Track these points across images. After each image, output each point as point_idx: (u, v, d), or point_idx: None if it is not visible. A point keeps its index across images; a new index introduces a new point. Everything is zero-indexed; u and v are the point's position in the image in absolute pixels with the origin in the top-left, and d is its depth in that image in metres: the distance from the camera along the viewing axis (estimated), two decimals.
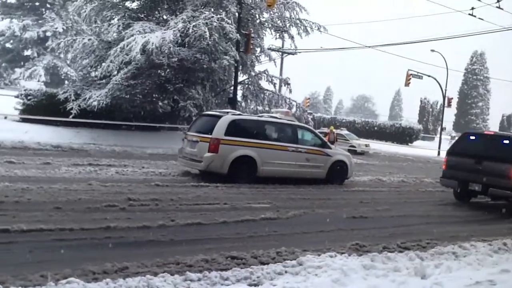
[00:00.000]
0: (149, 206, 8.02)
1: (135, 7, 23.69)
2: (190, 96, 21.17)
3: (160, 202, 8.32)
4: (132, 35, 18.86)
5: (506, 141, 11.68)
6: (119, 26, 21.82)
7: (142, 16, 23.38)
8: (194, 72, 21.71)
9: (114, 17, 22.93)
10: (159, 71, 21.90)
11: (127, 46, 18.39)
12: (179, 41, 19.90)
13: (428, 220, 9.60)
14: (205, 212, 7.96)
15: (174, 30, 18.82)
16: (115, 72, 19.73)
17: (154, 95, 23.07)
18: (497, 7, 16.66)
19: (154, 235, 6.31)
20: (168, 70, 21.84)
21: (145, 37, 18.45)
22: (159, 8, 23.91)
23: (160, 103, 23.51)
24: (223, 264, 5.29)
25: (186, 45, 20.76)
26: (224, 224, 7.33)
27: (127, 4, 23.44)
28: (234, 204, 8.85)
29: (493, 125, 78.94)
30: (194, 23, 18.91)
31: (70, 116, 19.04)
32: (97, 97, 19.06)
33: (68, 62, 42.05)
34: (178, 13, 21.66)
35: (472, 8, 18.03)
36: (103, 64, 19.40)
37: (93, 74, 22.68)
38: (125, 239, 6.07)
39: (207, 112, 15.29)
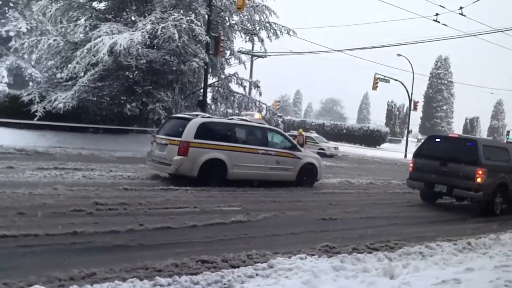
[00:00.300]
0: (117, 210, 7.86)
1: (103, 8, 23.30)
2: (159, 98, 20.93)
3: (128, 206, 8.16)
4: (99, 36, 18.54)
5: (469, 144, 12.00)
6: (85, 27, 21.40)
7: (110, 17, 23.01)
8: (163, 74, 21.49)
9: (80, 17, 22.49)
10: (127, 73, 21.59)
11: (94, 47, 18.05)
12: (147, 42, 19.69)
13: (396, 221, 9.76)
14: (174, 216, 7.86)
15: (142, 32, 18.59)
16: (82, 74, 19.36)
17: (122, 98, 22.71)
18: (460, 13, 17.17)
19: (123, 240, 6.18)
20: (136, 72, 21.52)
21: (112, 38, 18.17)
22: (127, 9, 23.59)
23: (128, 106, 23.14)
24: (193, 268, 5.22)
25: (155, 47, 20.56)
26: (194, 228, 7.25)
27: (94, 4, 23.02)
28: (204, 207, 8.77)
29: (457, 128, 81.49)
30: (163, 25, 18.74)
31: (35, 119, 18.53)
32: (63, 99, 18.64)
33: (33, 63, 40.88)
34: (146, 15, 21.42)
35: (437, 14, 18.56)
36: (69, 65, 18.98)
37: (58, 75, 22.19)
38: (92, 244, 5.92)
39: (177, 115, 15.14)
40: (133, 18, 23.38)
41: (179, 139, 11.27)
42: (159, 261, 5.25)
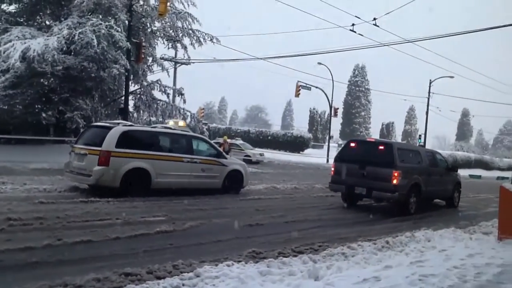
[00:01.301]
0: (33, 225, 7.37)
1: (13, 11, 21.97)
2: (77, 106, 20.06)
3: (45, 220, 7.70)
4: (10, 41, 17.46)
5: (386, 147, 12.64)
6: None
7: (22, 20, 21.76)
8: (81, 81, 20.65)
9: None
10: (42, 80, 20.50)
11: (4, 52, 16.96)
12: (64, 48, 18.83)
13: (319, 224, 10.03)
14: (96, 228, 7.52)
15: (58, 37, 17.77)
16: None
17: (37, 106, 21.51)
18: (374, 24, 18.12)
19: (39, 256, 5.79)
20: (52, 79, 20.49)
21: (25, 43, 17.19)
22: (40, 13, 22.43)
23: (44, 114, 21.90)
24: (116, 282, 5.01)
25: (72, 53, 19.71)
26: (117, 240, 6.97)
27: (3, 7, 21.62)
28: (127, 218, 8.48)
29: (374, 133, 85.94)
30: (80, 30, 18.05)
31: None
32: None
33: None
34: (62, 19, 20.52)
35: (353, 25, 19.38)
36: None
37: None
38: (5, 263, 5.49)
39: (96, 123, 14.54)
40: (47, 23, 22.28)
41: (100, 148, 10.83)
42: (79, 277, 4.99)
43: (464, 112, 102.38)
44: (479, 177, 44.45)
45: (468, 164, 56.62)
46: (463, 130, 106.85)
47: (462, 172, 23.13)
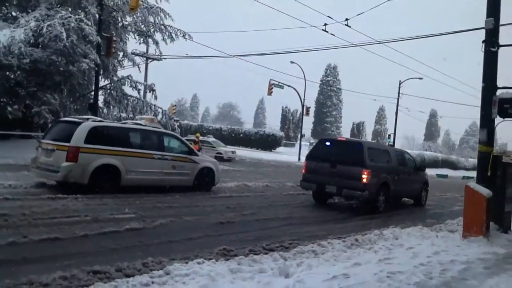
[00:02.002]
0: None
1: None
2: (45, 101, 19.57)
3: (10, 217, 7.48)
4: None
5: (356, 146, 12.83)
6: None
7: None
8: (49, 75, 20.15)
9: None
10: (7, 73, 19.90)
11: None
12: (31, 41, 18.33)
13: (290, 221, 10.10)
14: (63, 225, 7.36)
15: (25, 29, 17.29)
16: None
17: (2, 100, 20.88)
18: (345, 24, 18.31)
19: (3, 254, 5.63)
20: (19, 72, 19.91)
21: None
22: (6, 3, 21.71)
23: (9, 109, 21.27)
24: (84, 280, 4.91)
25: (40, 46, 19.22)
26: (85, 238, 6.85)
27: None
28: (96, 215, 8.33)
29: (345, 132, 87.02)
30: (48, 23, 17.61)
31: None
32: None
33: None
34: (30, 11, 19.97)
35: (325, 24, 19.54)
36: None
37: None
38: None
39: (65, 118, 14.21)
40: (14, 14, 21.61)
41: (68, 144, 10.61)
42: (45, 275, 4.87)
43: (432, 113, 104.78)
44: (446, 176, 45.60)
45: (436, 163, 58.04)
46: (431, 130, 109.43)
47: (430, 172, 23.69)
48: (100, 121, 12.25)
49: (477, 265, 6.62)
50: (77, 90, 22.87)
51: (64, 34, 17.81)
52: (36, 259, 5.63)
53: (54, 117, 19.09)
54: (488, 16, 9.34)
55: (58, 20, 18.05)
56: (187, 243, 7.20)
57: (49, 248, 6.16)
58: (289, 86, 43.52)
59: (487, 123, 9.59)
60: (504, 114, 9.48)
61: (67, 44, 18.35)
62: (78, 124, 11.06)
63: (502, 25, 9.57)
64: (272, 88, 41.66)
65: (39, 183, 11.53)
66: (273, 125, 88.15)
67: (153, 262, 5.72)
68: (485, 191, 8.73)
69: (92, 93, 22.47)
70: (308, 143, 60.96)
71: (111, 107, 25.03)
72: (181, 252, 6.38)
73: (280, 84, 42.41)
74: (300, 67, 43.71)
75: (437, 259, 6.77)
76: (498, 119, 9.82)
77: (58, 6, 20.45)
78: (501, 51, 9.49)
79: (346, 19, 18.25)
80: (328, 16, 18.98)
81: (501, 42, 9.44)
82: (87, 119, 11.89)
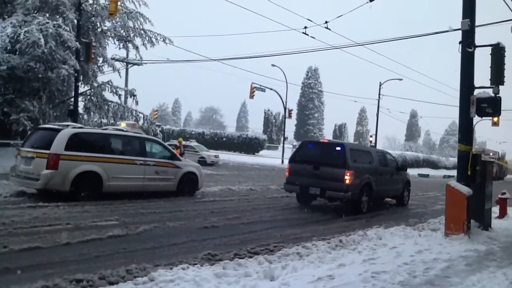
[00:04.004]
0: None
1: None
2: (23, 108, 19.26)
3: None
4: None
5: (338, 148, 12.91)
6: None
7: None
8: (27, 82, 19.86)
9: None
10: None
11: None
12: (8, 47, 18.04)
13: (275, 224, 10.10)
14: (44, 234, 7.25)
15: (1, 35, 17.01)
16: None
17: None
18: (325, 27, 18.43)
19: None
20: None
21: None
22: None
23: None
24: None
25: (18, 52, 18.91)
26: (67, 246, 6.75)
27: None
28: (78, 223, 8.22)
29: (327, 134, 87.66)
30: (26, 29, 17.37)
31: None
32: None
33: None
34: (6, 17, 19.65)
35: (305, 27, 19.64)
36: None
37: None
38: None
39: (44, 125, 14.00)
40: None
41: (48, 151, 10.46)
42: (27, 285, 4.80)
43: (412, 113, 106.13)
44: (427, 176, 46.23)
45: (417, 163, 58.83)
46: (412, 130, 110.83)
47: (411, 172, 23.96)
48: (81, 127, 12.10)
49: (459, 263, 6.73)
50: (57, 96, 22.56)
51: (42, 40, 17.58)
52: (17, 269, 5.52)
53: (33, 124, 18.79)
54: (464, 17, 9.52)
55: (35, 26, 17.82)
56: (172, 248, 7.15)
57: (31, 258, 6.05)
58: (271, 89, 43.64)
59: (465, 123, 9.77)
60: (481, 113, 9.67)
61: (45, 50, 18.11)
62: (58, 131, 10.91)
63: (478, 26, 9.78)
64: (254, 91, 41.73)
65: (19, 192, 11.34)
66: (255, 128, 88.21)
67: (137, 268, 5.67)
68: (465, 190, 8.87)
69: (72, 99, 22.21)
70: (291, 146, 61.18)
71: (92, 113, 24.75)
72: (166, 258, 6.33)
73: (262, 87, 42.50)
74: (281, 70, 43.86)
75: (420, 258, 6.85)
76: (476, 118, 10.02)
77: (35, 12, 20.17)
78: (478, 52, 9.69)
79: (326, 22, 18.38)
80: (308, 19, 19.08)
81: (477, 42, 9.64)
82: (67, 125, 11.73)
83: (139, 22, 24.92)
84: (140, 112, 26.70)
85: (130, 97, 26.96)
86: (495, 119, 14.48)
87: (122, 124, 14.34)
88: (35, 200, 10.46)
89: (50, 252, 6.37)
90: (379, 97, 48.46)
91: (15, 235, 7.10)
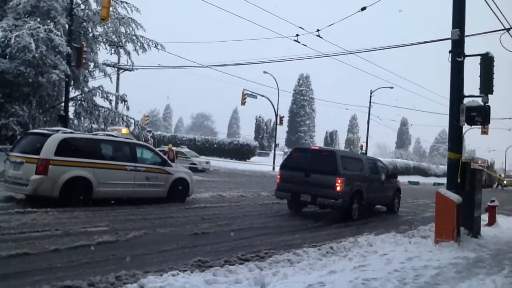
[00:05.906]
0: None
1: None
2: (13, 113, 19.10)
3: None
4: None
5: (329, 155, 12.95)
6: None
7: None
8: (17, 86, 19.72)
9: None
10: None
11: None
12: None
13: (265, 231, 10.09)
14: (33, 240, 7.17)
15: None
16: None
17: None
18: (317, 35, 18.56)
19: None
20: None
21: None
22: None
23: None
24: None
25: (8, 57, 18.78)
26: (55, 252, 6.68)
27: None
28: (67, 229, 8.15)
29: (318, 141, 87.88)
30: (16, 33, 17.27)
31: None
32: None
33: None
34: None
35: (297, 35, 19.77)
36: None
37: None
38: None
39: (34, 130, 13.89)
40: None
41: (37, 156, 10.38)
42: None
43: (403, 121, 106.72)
44: (418, 183, 46.45)
45: (407, 171, 59.11)
46: (402, 138, 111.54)
47: (402, 179, 24.08)
48: (71, 132, 12.04)
49: (449, 270, 6.75)
50: (47, 101, 22.40)
51: (33, 45, 17.49)
52: (5, 276, 5.46)
53: (23, 129, 18.63)
54: (454, 27, 9.63)
55: (26, 30, 17.73)
56: (162, 255, 7.10)
57: (18, 264, 5.98)
58: (262, 95, 43.78)
59: (455, 131, 9.86)
60: (471, 122, 9.76)
61: (36, 55, 18.02)
62: (47, 136, 10.84)
63: (467, 36, 9.89)
64: (246, 98, 41.81)
65: (7, 197, 11.23)
66: (247, 134, 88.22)
67: (127, 275, 5.62)
68: (455, 197, 8.93)
69: (62, 104, 22.06)
70: (282, 153, 61.25)
71: (82, 119, 24.59)
72: (155, 265, 6.29)
73: (253, 94, 42.61)
74: (273, 77, 44.04)
75: (410, 265, 6.87)
76: (466, 127, 10.11)
77: (26, 16, 20.08)
78: (468, 61, 9.80)
79: (317, 30, 18.50)
80: (300, 27, 19.20)
81: (467, 52, 9.74)
82: (57, 130, 11.66)
83: (131, 28, 24.89)
84: (131, 118, 26.58)
85: (121, 102, 26.83)
86: (485, 128, 14.63)
87: (124, 131, 14.31)
88: (24, 205, 10.36)
89: (38, 259, 6.29)
90: (370, 104, 48.77)
91: (3, 241, 7.01)
